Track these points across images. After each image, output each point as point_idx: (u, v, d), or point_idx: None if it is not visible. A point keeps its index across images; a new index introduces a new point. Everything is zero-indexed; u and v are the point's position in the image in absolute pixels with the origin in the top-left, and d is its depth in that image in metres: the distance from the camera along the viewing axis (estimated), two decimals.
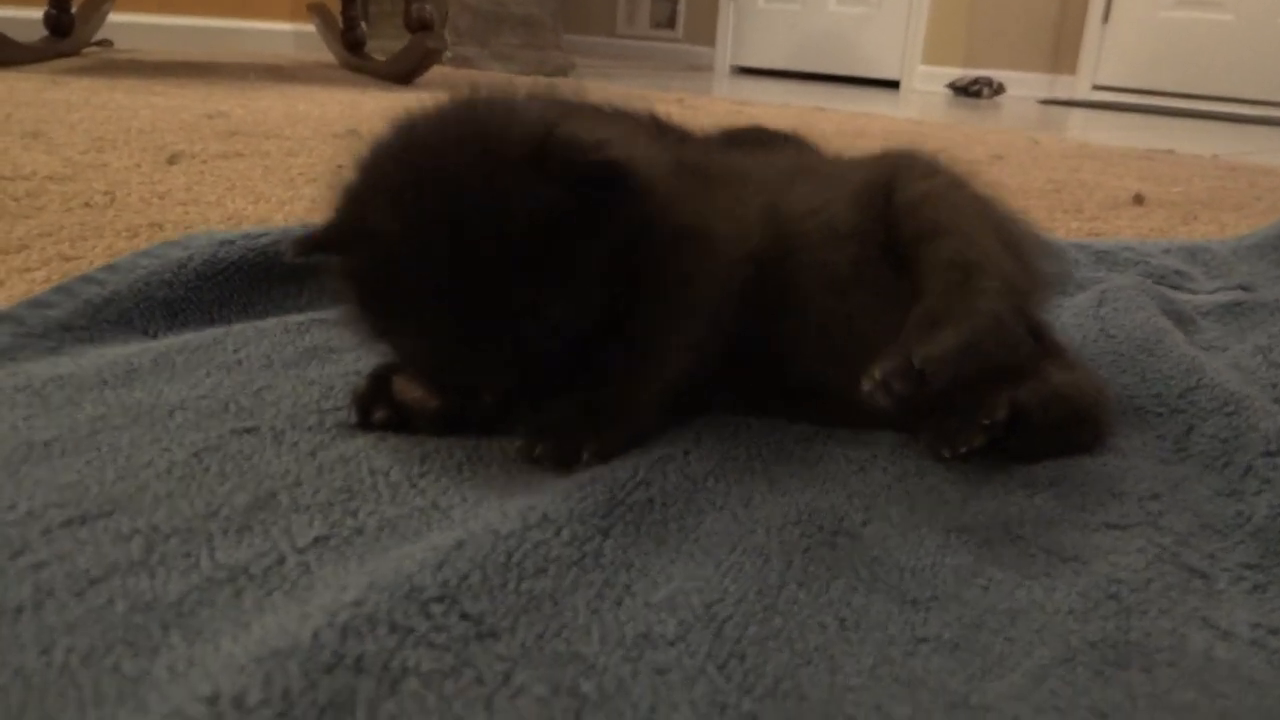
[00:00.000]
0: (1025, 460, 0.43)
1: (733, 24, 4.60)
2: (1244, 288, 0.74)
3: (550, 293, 0.39)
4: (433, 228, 0.38)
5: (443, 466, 0.40)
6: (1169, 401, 0.47)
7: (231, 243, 0.59)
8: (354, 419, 0.44)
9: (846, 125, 2.06)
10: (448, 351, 0.40)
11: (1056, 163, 1.68)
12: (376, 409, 0.43)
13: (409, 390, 0.43)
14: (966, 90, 3.83)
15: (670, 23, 4.79)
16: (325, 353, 0.52)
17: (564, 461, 0.40)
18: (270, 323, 0.55)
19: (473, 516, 0.36)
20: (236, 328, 0.54)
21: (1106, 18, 3.73)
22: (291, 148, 1.25)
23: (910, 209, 0.47)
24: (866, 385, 0.39)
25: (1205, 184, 1.53)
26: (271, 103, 1.73)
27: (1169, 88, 3.57)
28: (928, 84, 4.06)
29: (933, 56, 4.12)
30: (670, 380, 0.43)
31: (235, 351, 0.50)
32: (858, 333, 0.44)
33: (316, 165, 1.13)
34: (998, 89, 3.81)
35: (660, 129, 0.52)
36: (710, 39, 4.62)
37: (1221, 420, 0.43)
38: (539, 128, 0.40)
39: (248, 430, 0.42)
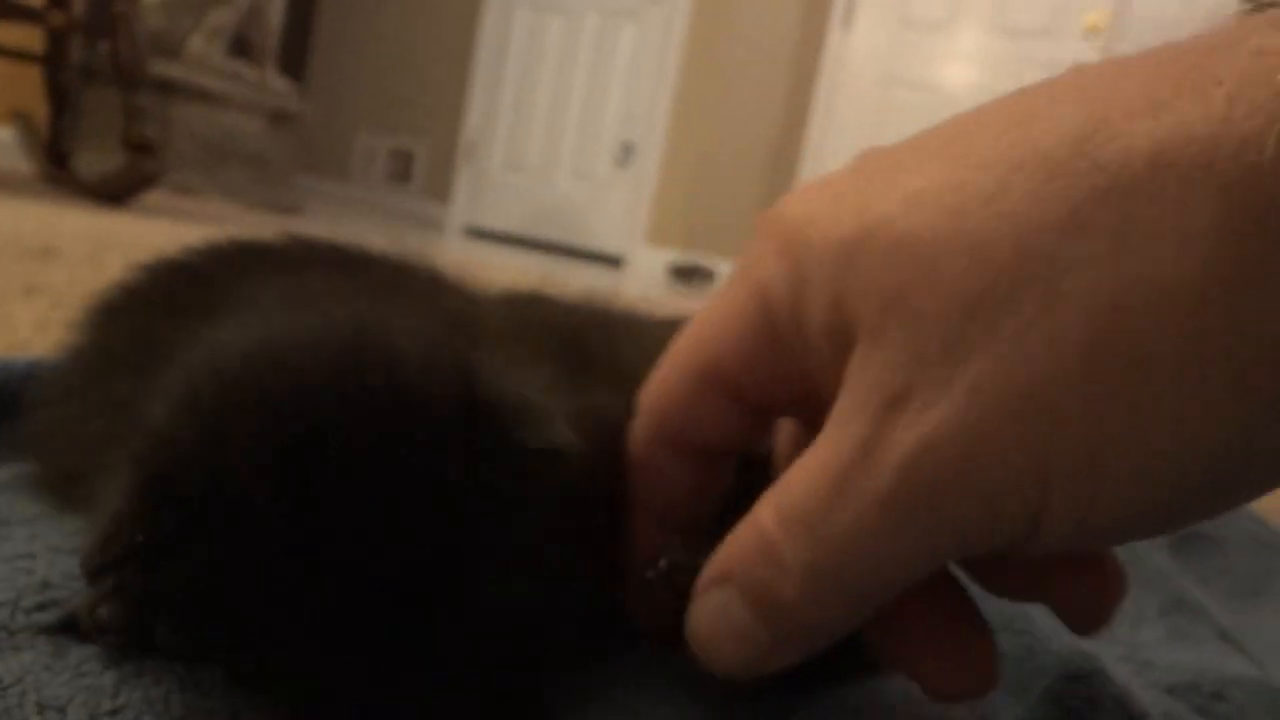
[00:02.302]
0: (822, 680, 0.39)
1: (468, 186, 4.67)
2: None
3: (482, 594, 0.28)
4: (346, 502, 0.26)
5: (145, 699, 0.30)
6: None
7: None
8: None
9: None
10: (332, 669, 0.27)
11: None
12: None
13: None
14: (684, 274, 4.07)
15: (405, 176, 4.79)
16: None
17: None
18: None
19: None
20: None
21: None
22: None
23: None
24: None
25: None
26: None
27: None
28: (649, 264, 4.29)
29: (655, 239, 4.38)
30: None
31: None
32: None
33: (1, 284, 0.97)
34: (707, 275, 4.08)
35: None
36: (444, 196, 4.66)
37: (1011, 639, 0.43)
38: (457, 372, 0.29)
39: None
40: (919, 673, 0.28)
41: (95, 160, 2.44)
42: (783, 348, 0.26)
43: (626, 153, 4.39)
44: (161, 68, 2.70)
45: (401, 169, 4.77)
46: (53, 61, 2.33)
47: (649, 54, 4.36)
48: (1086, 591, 0.27)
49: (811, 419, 0.26)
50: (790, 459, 0.28)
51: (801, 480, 0.23)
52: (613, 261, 4.31)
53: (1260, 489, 0.22)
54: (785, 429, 0.32)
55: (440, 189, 4.67)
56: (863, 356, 0.22)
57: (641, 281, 3.56)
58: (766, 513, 0.24)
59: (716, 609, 0.25)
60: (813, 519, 0.23)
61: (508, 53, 4.60)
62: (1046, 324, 0.20)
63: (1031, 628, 0.43)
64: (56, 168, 2.39)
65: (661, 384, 0.29)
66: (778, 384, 0.27)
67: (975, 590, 0.33)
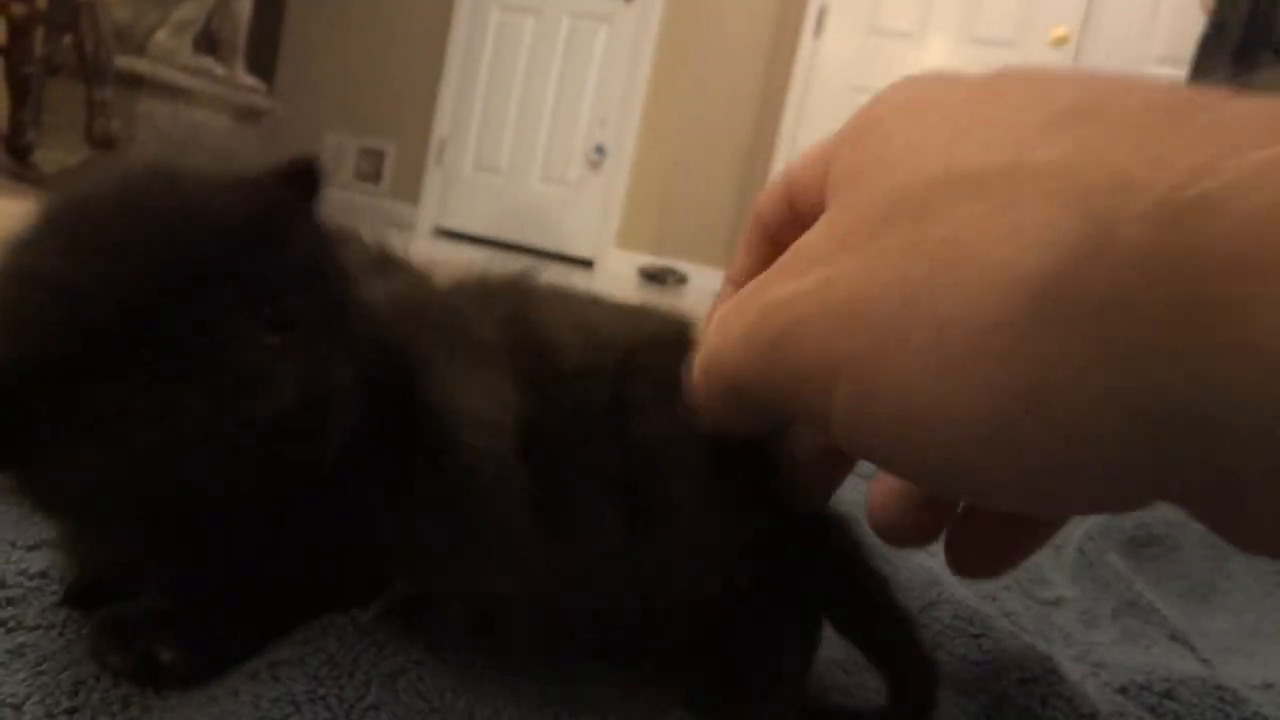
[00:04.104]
0: None
1: (438, 186, 4.65)
2: None
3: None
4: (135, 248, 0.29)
5: (103, 699, 0.30)
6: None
7: None
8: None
9: None
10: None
11: None
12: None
13: None
14: (656, 277, 4.08)
15: (375, 176, 4.76)
16: None
17: None
18: None
19: None
20: None
21: None
22: None
23: None
24: None
25: None
26: None
27: None
28: (619, 267, 4.29)
29: (625, 242, 4.37)
30: None
31: None
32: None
33: None
34: (680, 279, 4.09)
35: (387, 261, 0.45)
36: (415, 197, 4.64)
37: (968, 642, 0.43)
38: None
39: None
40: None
41: (57, 155, 2.41)
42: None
43: (599, 155, 4.39)
44: (126, 62, 2.66)
45: (372, 169, 4.74)
46: (14, 54, 2.30)
47: (621, 57, 4.36)
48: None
49: None
50: None
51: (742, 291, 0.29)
52: (583, 264, 4.31)
53: (1021, 493, 0.24)
54: None
55: (410, 189, 4.64)
56: (821, 216, 0.27)
57: (612, 284, 3.56)
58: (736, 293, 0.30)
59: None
60: (722, 319, 0.29)
61: (480, 53, 4.58)
62: (899, 254, 0.23)
63: (989, 631, 0.44)
64: (17, 162, 2.35)
65: (769, 185, 0.33)
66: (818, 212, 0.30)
67: (935, 592, 0.33)
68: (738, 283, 0.33)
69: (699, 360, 0.30)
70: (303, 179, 0.34)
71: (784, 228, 0.32)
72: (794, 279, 0.26)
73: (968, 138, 0.23)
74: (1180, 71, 2.48)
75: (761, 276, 0.28)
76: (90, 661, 0.32)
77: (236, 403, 0.29)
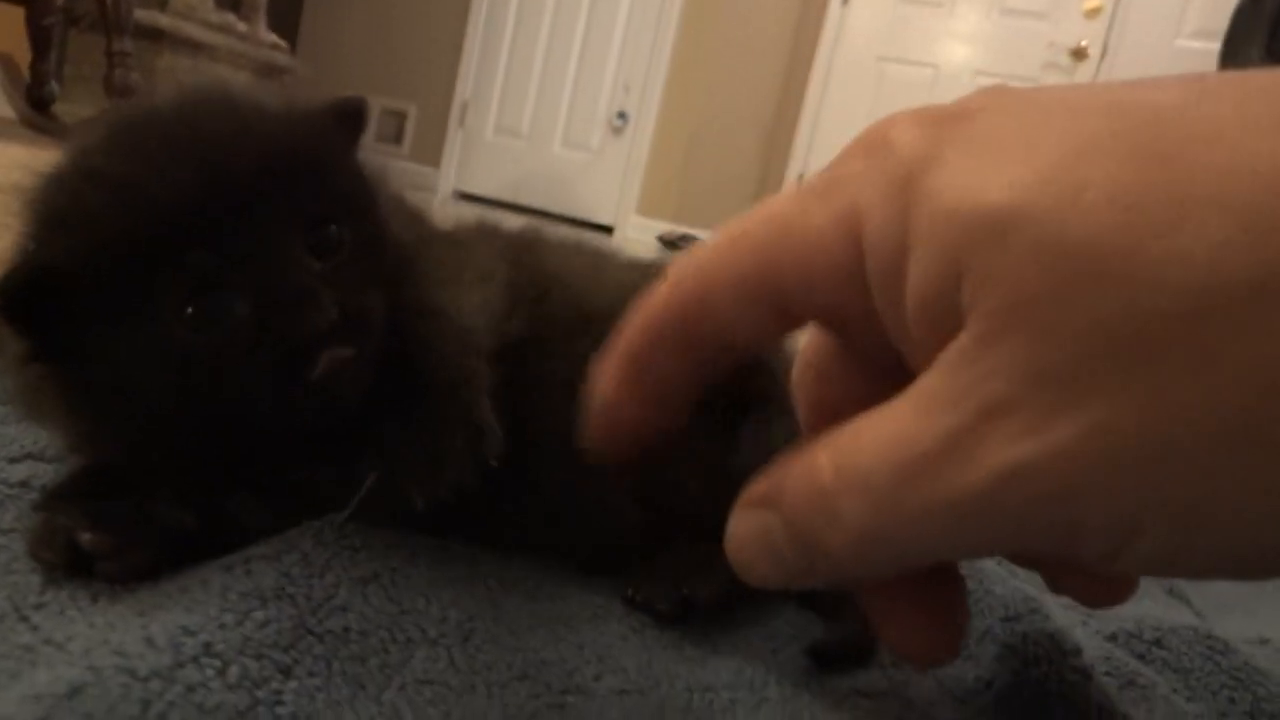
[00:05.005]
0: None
1: (459, 149, 4.64)
2: None
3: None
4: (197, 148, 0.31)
5: (70, 596, 0.30)
6: None
7: None
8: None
9: None
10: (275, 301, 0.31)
11: None
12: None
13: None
14: (674, 244, 4.07)
15: (397, 138, 4.75)
16: None
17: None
18: None
19: (99, 646, 0.27)
20: None
21: None
22: None
23: None
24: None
25: None
26: None
27: None
28: (639, 234, 4.27)
29: (646, 209, 4.36)
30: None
31: None
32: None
33: None
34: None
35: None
36: (436, 160, 4.63)
37: None
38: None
39: None
40: (894, 635, 0.28)
41: (78, 107, 2.41)
42: (864, 286, 0.24)
43: (622, 121, 4.37)
44: (148, 16, 2.66)
45: (393, 130, 4.73)
46: (36, 5, 2.29)
47: (646, 23, 4.32)
48: (1095, 588, 0.28)
49: (869, 354, 0.26)
50: (823, 378, 0.29)
51: (873, 445, 0.23)
52: (603, 230, 4.30)
53: None
54: (811, 339, 0.31)
55: (431, 152, 4.63)
56: (971, 347, 0.21)
57: (634, 250, 3.55)
58: (824, 460, 0.24)
59: (758, 528, 0.25)
60: (878, 489, 0.22)
61: (504, 15, 4.55)
62: (1194, 387, 0.19)
63: (976, 573, 0.44)
64: (38, 113, 2.35)
65: (700, 276, 0.27)
66: (840, 313, 0.26)
67: None
68: (654, 400, 0.29)
69: (847, 539, 0.23)
70: (349, 118, 0.36)
71: (749, 328, 0.27)
72: (1021, 437, 0.21)
73: (1182, 231, 0.19)
74: (1213, 45, 2.43)
75: (908, 441, 0.22)
76: (32, 562, 0.32)
77: (283, 316, 0.30)
